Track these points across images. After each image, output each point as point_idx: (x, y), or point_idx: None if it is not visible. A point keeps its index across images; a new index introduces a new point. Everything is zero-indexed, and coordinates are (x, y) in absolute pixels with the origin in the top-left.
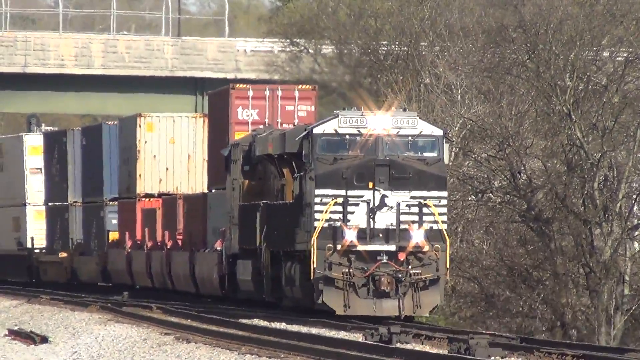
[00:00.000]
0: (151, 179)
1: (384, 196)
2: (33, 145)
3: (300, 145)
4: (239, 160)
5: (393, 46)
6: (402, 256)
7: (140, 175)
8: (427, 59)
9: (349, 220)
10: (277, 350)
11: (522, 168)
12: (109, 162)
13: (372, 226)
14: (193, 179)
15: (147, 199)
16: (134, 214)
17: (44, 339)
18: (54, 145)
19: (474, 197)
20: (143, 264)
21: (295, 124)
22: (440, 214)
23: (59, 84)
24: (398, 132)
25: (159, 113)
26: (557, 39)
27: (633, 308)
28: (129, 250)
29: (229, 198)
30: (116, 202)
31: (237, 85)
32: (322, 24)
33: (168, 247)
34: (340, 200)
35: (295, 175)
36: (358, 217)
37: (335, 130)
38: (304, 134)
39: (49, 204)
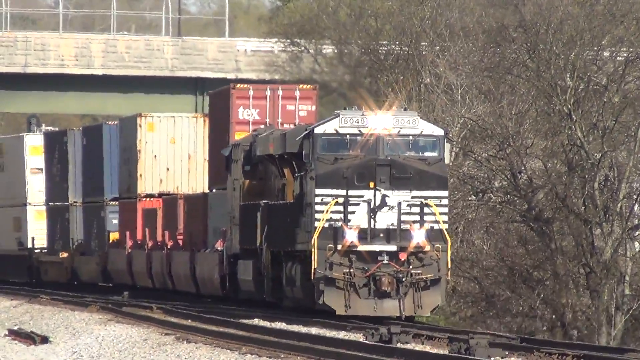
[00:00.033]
0: (152, 179)
1: (384, 196)
2: (34, 145)
3: (301, 145)
4: (239, 160)
5: (393, 46)
6: (403, 256)
7: (140, 175)
8: (427, 58)
9: (349, 220)
10: (277, 350)
11: (523, 168)
12: (110, 162)
13: (372, 226)
14: (194, 179)
15: (147, 199)
16: (135, 214)
17: (44, 339)
18: (55, 145)
19: (474, 197)
20: (143, 264)
21: (296, 123)
22: (441, 214)
23: (59, 84)
24: (399, 132)
25: (159, 113)
26: (558, 39)
27: (633, 308)
28: (130, 251)
29: (230, 198)
30: (117, 202)
31: (238, 85)
32: (322, 24)
33: (169, 247)
34: (341, 200)
35: (296, 175)
36: (359, 217)
37: (336, 130)
38: (304, 133)
39: (50, 204)
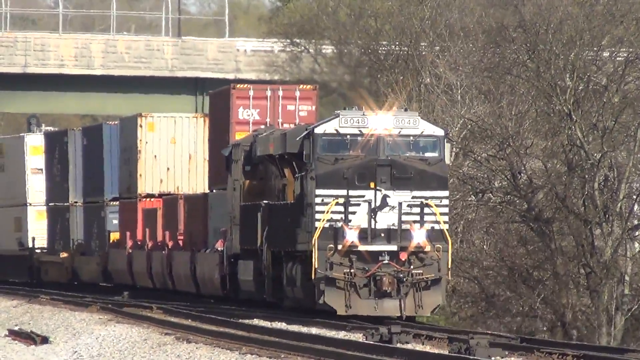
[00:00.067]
0: (152, 179)
1: (385, 196)
2: (34, 145)
3: (301, 145)
4: (240, 160)
5: (393, 46)
6: (403, 256)
7: (141, 175)
8: (427, 59)
9: (350, 221)
10: (278, 350)
11: (523, 168)
12: (110, 162)
13: (373, 226)
14: (194, 179)
15: (148, 199)
16: (135, 214)
17: (45, 339)
18: (55, 146)
19: (474, 197)
20: (144, 264)
21: (296, 123)
22: (441, 214)
23: (59, 84)
24: (399, 132)
25: (159, 113)
26: (557, 39)
27: (633, 308)
28: (130, 251)
29: (230, 198)
30: (117, 202)
31: (238, 85)
32: (322, 24)
33: (169, 247)
34: (341, 200)
35: (297, 175)
36: (359, 217)
37: (337, 130)
38: (305, 133)
39: (50, 204)
